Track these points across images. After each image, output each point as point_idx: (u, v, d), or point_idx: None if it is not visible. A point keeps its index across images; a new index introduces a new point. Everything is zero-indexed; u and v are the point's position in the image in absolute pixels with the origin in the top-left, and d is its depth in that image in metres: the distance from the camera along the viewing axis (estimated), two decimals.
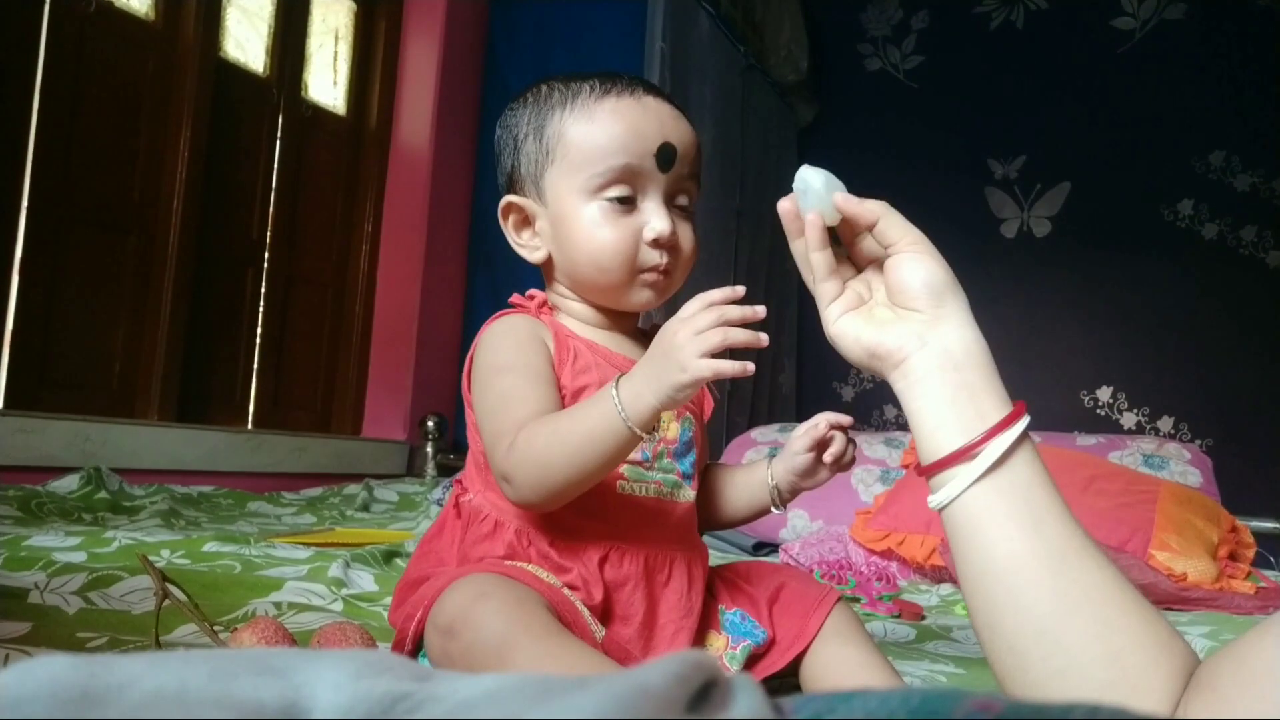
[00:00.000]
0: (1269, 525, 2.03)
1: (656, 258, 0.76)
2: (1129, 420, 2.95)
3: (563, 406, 0.74)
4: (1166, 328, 2.91)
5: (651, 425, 0.66)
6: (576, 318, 0.81)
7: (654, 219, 0.75)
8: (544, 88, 0.80)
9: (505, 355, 0.75)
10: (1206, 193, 2.91)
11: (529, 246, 0.81)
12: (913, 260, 0.62)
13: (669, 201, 0.77)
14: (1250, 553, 1.63)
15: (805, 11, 3.34)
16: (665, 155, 0.75)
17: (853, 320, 0.64)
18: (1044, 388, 3.04)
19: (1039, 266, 3.10)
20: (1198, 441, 2.80)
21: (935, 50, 3.34)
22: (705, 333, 0.63)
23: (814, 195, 0.64)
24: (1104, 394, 2.99)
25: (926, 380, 0.61)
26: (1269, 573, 1.73)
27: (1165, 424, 2.90)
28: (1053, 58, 3.13)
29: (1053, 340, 3.06)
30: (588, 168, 0.75)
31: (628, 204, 0.75)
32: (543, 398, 0.72)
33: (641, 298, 0.78)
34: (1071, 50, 3.11)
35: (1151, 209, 2.96)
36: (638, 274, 0.76)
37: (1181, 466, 1.98)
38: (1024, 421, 0.58)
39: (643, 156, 0.75)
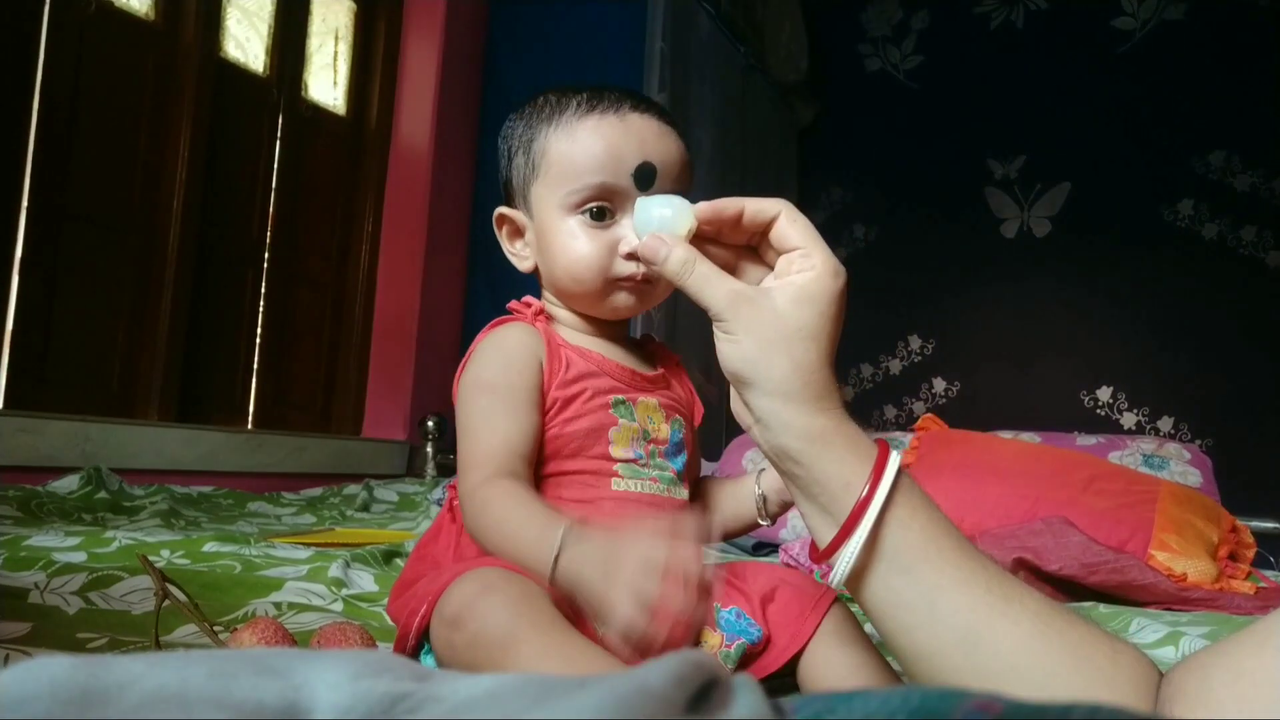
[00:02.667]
0: (1269, 525, 2.03)
1: (632, 269, 0.78)
2: (1129, 420, 2.95)
3: (542, 425, 0.76)
4: (1166, 327, 2.91)
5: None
6: (568, 325, 0.83)
7: (630, 234, 0.77)
8: (539, 100, 0.82)
9: (490, 372, 0.77)
10: (1206, 193, 2.91)
11: (520, 256, 0.84)
12: (717, 340, 0.55)
13: None
14: (1250, 553, 1.63)
15: (805, 11, 3.34)
16: (643, 175, 0.77)
17: None
18: (1044, 388, 3.04)
19: (1039, 266, 3.10)
20: (1198, 441, 2.80)
21: (935, 50, 3.34)
22: (646, 590, 0.55)
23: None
24: (1104, 394, 2.99)
25: (772, 463, 0.56)
26: (1269, 573, 1.73)
27: (1165, 424, 2.90)
28: (1053, 58, 3.13)
29: (1053, 340, 3.06)
30: (566, 184, 0.78)
31: (606, 219, 0.78)
32: (513, 428, 0.75)
33: (619, 302, 0.80)
34: (1071, 50, 3.11)
35: (1151, 209, 2.96)
36: (613, 282, 0.79)
37: (1181, 466, 1.98)
38: (869, 517, 0.50)
39: (619, 175, 0.77)
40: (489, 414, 0.75)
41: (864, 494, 0.51)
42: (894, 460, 0.52)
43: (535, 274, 0.85)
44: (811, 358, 0.53)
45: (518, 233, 0.84)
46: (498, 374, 0.77)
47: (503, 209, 0.84)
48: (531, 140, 0.81)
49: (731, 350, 0.53)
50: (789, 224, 0.55)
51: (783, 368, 0.52)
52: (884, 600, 0.52)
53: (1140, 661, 0.49)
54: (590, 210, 0.78)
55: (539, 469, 0.78)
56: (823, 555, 0.53)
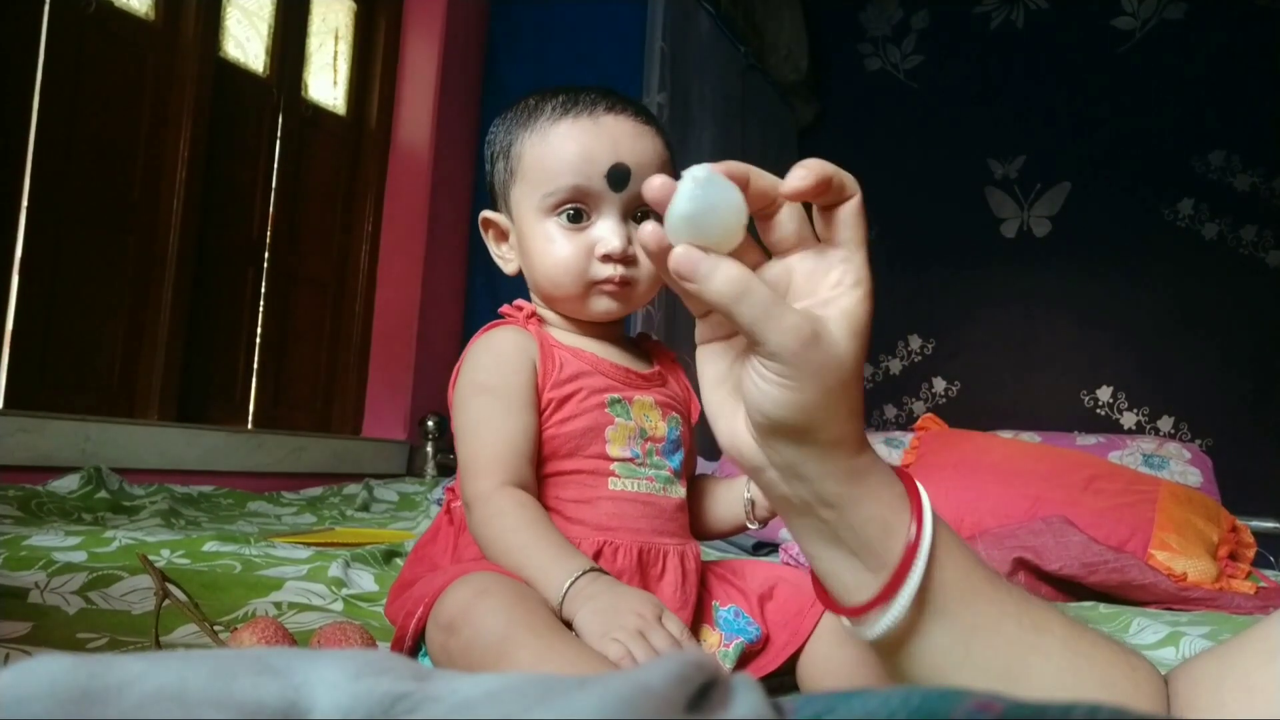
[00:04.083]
0: (1269, 525, 2.02)
1: (609, 271, 0.78)
2: (1129, 420, 2.95)
3: (540, 423, 0.77)
4: (1166, 328, 2.91)
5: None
6: (560, 327, 0.84)
7: (606, 235, 0.78)
8: (520, 104, 0.83)
9: (485, 373, 0.78)
10: (1206, 193, 2.91)
11: (505, 259, 0.86)
12: (760, 383, 0.44)
13: (629, 216, 0.79)
14: (1250, 553, 1.63)
15: (805, 11, 3.34)
16: (615, 176, 0.78)
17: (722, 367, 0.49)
18: (1044, 388, 3.04)
19: (1039, 266, 3.10)
20: (1198, 441, 2.80)
21: (935, 50, 3.34)
22: (639, 640, 0.60)
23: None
24: (1104, 394, 2.99)
25: (782, 508, 0.48)
26: (1269, 573, 1.73)
27: (1165, 424, 2.90)
28: (1053, 58, 3.13)
29: (1053, 340, 3.06)
30: (541, 187, 0.79)
31: (581, 221, 0.79)
32: (514, 427, 0.75)
33: (600, 306, 0.81)
34: (1071, 50, 3.11)
35: (1151, 209, 2.96)
36: (592, 285, 0.79)
37: (1181, 466, 1.98)
38: (920, 562, 0.44)
39: (592, 178, 0.77)
40: (488, 416, 0.76)
41: (911, 537, 0.45)
42: (924, 492, 0.47)
43: (521, 276, 0.85)
44: (861, 395, 0.46)
45: (502, 236, 0.86)
46: (493, 375, 0.78)
47: (487, 212, 0.86)
48: (510, 144, 0.82)
49: (788, 398, 0.43)
50: (855, 213, 0.45)
51: (843, 414, 0.44)
52: (917, 647, 0.46)
53: (1154, 676, 0.48)
54: (567, 213, 0.78)
55: (540, 469, 0.78)
56: (863, 609, 0.46)
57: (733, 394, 0.48)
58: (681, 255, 0.42)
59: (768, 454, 0.45)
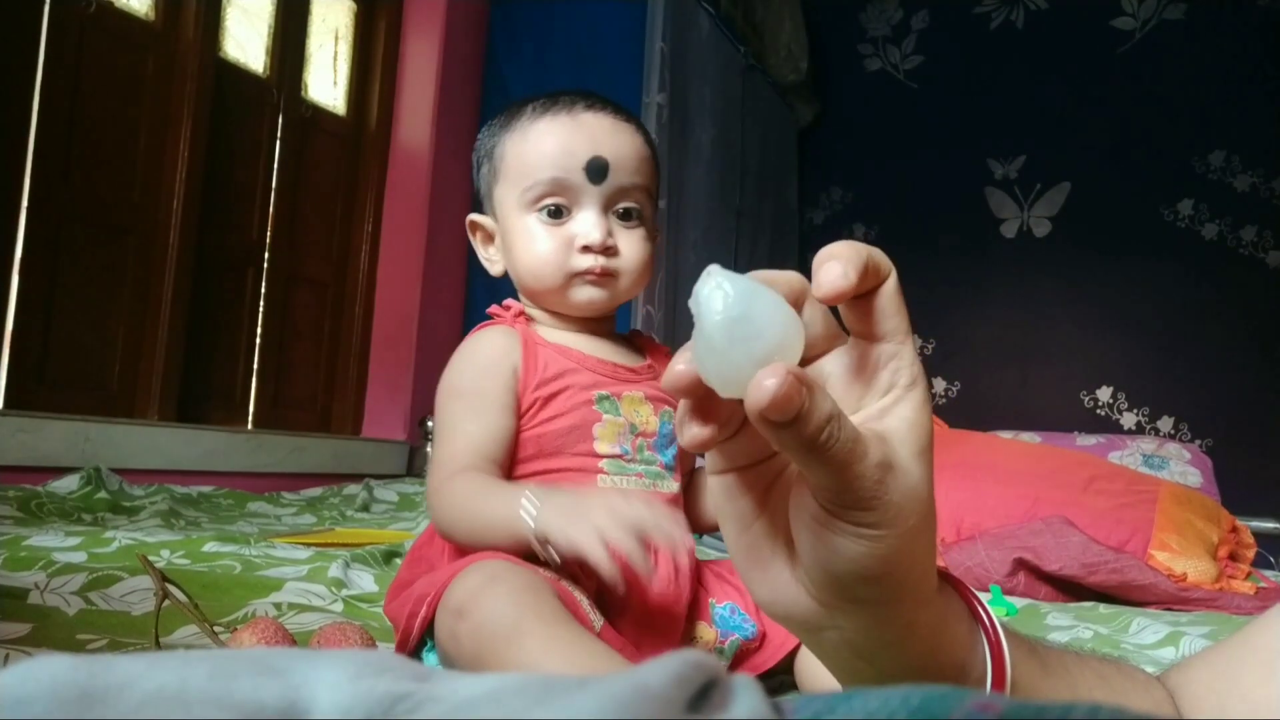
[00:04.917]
0: (1269, 525, 2.03)
1: (590, 262, 0.80)
2: (1129, 420, 2.95)
3: (516, 428, 0.79)
4: (1166, 328, 2.91)
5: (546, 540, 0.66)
6: (548, 325, 0.85)
7: (585, 227, 0.80)
8: (505, 111, 0.86)
9: (459, 378, 0.81)
10: (1206, 193, 2.91)
11: (491, 260, 0.88)
12: (839, 538, 0.32)
13: (608, 210, 0.81)
14: (1250, 553, 1.63)
15: (805, 11, 3.34)
16: (594, 168, 0.79)
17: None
18: (1044, 388, 3.04)
19: (1039, 266, 3.10)
20: (1198, 441, 2.80)
21: (935, 50, 3.34)
22: (610, 526, 0.61)
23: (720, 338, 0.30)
24: (1104, 394, 2.99)
25: (836, 665, 0.38)
26: (1269, 573, 1.73)
27: (1165, 424, 2.90)
28: (1053, 58, 3.13)
29: (1053, 340, 3.06)
30: (521, 182, 0.81)
31: (561, 215, 0.80)
32: (479, 431, 0.77)
33: (582, 296, 0.82)
34: (1071, 50, 3.11)
35: (1151, 209, 2.97)
36: (573, 276, 0.81)
37: (1181, 466, 1.98)
38: None
39: (570, 170, 0.79)
40: (458, 418, 0.78)
41: (991, 683, 0.36)
42: (993, 614, 0.38)
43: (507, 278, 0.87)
44: (936, 525, 0.36)
45: (489, 239, 0.87)
46: (466, 380, 0.80)
47: (473, 215, 0.88)
48: (493, 147, 0.84)
49: (866, 552, 0.32)
50: (896, 296, 0.33)
51: (927, 556, 0.34)
52: None
53: (1170, 701, 0.46)
54: (547, 208, 0.80)
55: (525, 468, 0.79)
56: None
57: (766, 539, 0.36)
58: (779, 382, 0.28)
59: (834, 618, 0.35)
